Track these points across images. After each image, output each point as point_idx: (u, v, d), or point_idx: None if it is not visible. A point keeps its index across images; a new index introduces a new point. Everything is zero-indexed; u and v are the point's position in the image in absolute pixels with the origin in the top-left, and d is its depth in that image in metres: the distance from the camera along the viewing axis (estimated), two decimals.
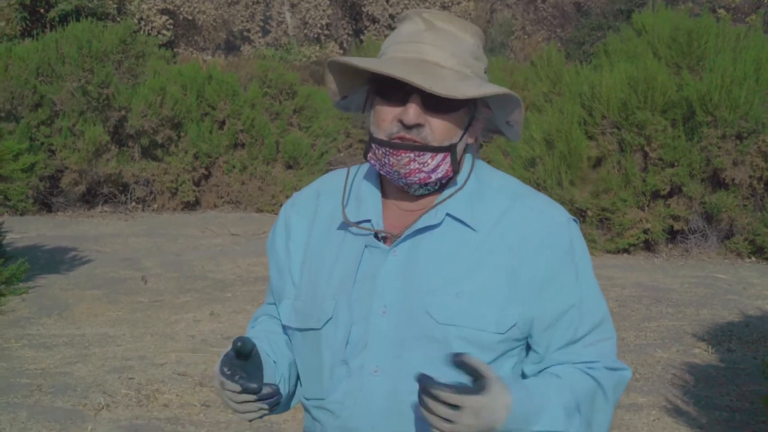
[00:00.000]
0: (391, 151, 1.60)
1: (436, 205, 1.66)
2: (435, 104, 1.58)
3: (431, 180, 1.63)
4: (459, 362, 1.49)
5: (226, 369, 1.55)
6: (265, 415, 1.62)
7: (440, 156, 1.61)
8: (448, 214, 1.65)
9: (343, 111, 1.79)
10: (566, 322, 1.64)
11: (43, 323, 6.82)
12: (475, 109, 1.66)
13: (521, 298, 1.61)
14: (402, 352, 1.61)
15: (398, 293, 1.62)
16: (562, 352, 1.65)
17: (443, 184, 1.68)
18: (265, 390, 1.55)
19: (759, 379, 5.41)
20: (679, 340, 6.43)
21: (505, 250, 1.63)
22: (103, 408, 4.96)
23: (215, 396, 5.19)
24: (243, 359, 1.56)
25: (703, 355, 6.09)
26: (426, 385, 1.44)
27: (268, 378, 1.62)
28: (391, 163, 1.61)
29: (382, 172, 1.65)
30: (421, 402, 1.45)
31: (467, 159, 1.70)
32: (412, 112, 1.57)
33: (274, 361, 1.70)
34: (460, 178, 1.68)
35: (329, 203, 1.76)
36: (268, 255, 1.84)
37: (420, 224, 1.64)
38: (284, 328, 1.78)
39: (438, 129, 1.60)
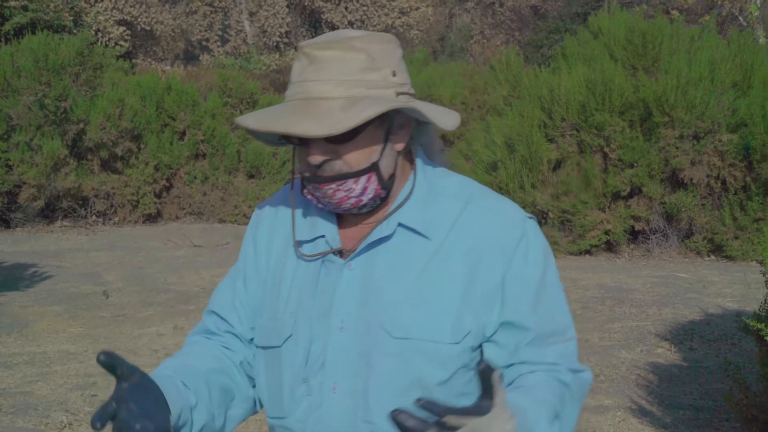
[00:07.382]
0: (316, 186, 1.59)
1: (388, 216, 1.64)
2: (337, 136, 1.54)
3: (363, 202, 1.61)
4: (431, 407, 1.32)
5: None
6: None
7: (363, 178, 1.58)
8: (400, 224, 1.63)
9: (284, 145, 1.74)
10: (525, 321, 1.60)
11: (3, 341, 6.71)
12: (389, 118, 1.61)
13: (476, 304, 1.58)
14: (360, 368, 1.59)
15: (355, 308, 1.60)
16: (527, 350, 1.60)
17: (383, 198, 1.64)
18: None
19: (721, 377, 5.47)
20: (642, 340, 6.49)
21: (460, 255, 1.60)
22: (65, 427, 4.89)
23: None
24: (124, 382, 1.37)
25: (667, 354, 6.15)
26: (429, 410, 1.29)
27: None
28: (319, 196, 1.60)
29: (319, 205, 1.64)
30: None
31: (418, 164, 1.67)
32: (315, 157, 1.55)
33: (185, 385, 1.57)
34: (408, 185, 1.66)
35: (286, 217, 1.74)
36: (233, 268, 1.81)
37: (372, 237, 1.63)
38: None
39: (350, 157, 1.57)
